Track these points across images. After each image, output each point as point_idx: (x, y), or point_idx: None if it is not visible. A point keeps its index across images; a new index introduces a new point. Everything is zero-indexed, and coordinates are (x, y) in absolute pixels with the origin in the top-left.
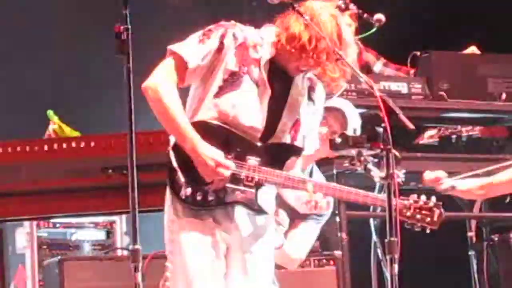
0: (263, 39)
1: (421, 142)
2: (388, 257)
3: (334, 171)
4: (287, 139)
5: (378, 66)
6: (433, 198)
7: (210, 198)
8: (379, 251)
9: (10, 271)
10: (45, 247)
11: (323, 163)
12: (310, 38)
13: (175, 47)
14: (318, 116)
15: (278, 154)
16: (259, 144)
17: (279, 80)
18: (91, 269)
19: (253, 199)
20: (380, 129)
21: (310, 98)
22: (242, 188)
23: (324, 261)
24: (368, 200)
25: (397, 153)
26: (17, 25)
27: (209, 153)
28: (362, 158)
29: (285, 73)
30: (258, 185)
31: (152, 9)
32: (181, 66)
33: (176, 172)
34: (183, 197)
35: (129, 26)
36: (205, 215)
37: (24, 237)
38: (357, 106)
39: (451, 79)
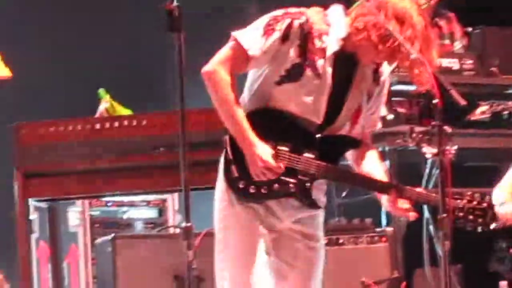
0: (331, 26)
1: (473, 118)
2: (440, 233)
3: (386, 148)
4: (346, 127)
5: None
6: (487, 198)
7: (263, 191)
8: (431, 227)
9: (62, 249)
10: (97, 225)
11: (375, 140)
12: (391, 32)
13: (239, 34)
14: (382, 97)
15: (335, 147)
16: (316, 136)
17: (344, 66)
18: (143, 247)
19: (308, 194)
20: (432, 105)
21: (374, 80)
22: (295, 181)
23: (376, 238)
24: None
25: (449, 129)
26: (69, 8)
27: (260, 152)
28: (414, 135)
29: (351, 59)
30: (313, 179)
31: None
32: (242, 55)
33: (231, 163)
34: (235, 189)
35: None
36: (254, 203)
37: (76, 215)
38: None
39: (502, 55)
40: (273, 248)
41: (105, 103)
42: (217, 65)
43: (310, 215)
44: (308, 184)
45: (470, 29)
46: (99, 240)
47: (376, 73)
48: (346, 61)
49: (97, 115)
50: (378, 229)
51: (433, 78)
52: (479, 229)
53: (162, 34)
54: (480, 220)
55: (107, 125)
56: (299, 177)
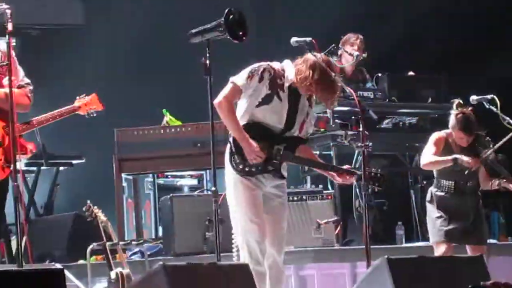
0: (285, 71)
1: (382, 126)
2: (362, 191)
3: (331, 143)
4: (297, 131)
5: (369, 84)
6: (379, 171)
7: (253, 169)
8: (357, 190)
9: (141, 204)
10: (162, 189)
11: (323, 138)
12: (316, 80)
13: (234, 78)
14: (313, 113)
15: (293, 142)
16: (282, 136)
17: (294, 95)
18: (189, 202)
19: (278, 170)
20: (358, 119)
21: (309, 103)
22: (271, 164)
23: (325, 196)
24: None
25: (367, 133)
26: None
27: (252, 147)
28: (347, 136)
29: (297, 91)
30: (281, 162)
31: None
32: (237, 90)
33: (234, 154)
34: (238, 169)
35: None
36: (250, 177)
37: (149, 183)
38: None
39: (399, 90)
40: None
41: (167, 117)
42: (222, 98)
43: (280, 183)
44: (278, 165)
45: (379, 74)
46: (162, 198)
47: (310, 99)
48: (295, 92)
49: (162, 124)
50: (325, 191)
51: (358, 103)
52: (376, 190)
53: (200, 76)
54: (376, 184)
55: (168, 130)
56: (273, 161)
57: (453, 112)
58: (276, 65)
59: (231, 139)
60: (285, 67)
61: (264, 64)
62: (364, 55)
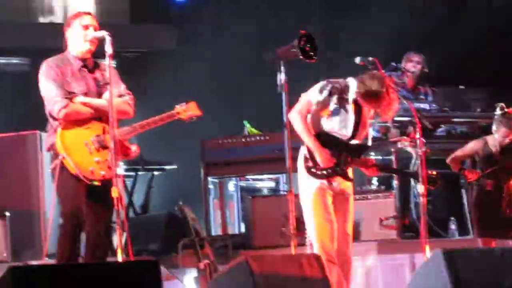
0: (349, 87)
1: (436, 134)
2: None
3: (391, 149)
4: (360, 140)
5: (430, 97)
6: (434, 172)
7: (324, 173)
8: (414, 189)
9: (225, 203)
10: (244, 191)
11: (387, 144)
12: (374, 95)
13: (306, 94)
14: (370, 121)
15: (358, 149)
16: (348, 144)
17: (358, 107)
18: (267, 202)
19: (346, 173)
20: (416, 127)
21: (370, 114)
22: (340, 168)
23: (388, 195)
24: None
25: (423, 139)
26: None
27: (323, 154)
28: (407, 142)
29: (359, 103)
30: (348, 166)
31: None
32: (309, 104)
33: (308, 160)
34: (311, 173)
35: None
36: (321, 180)
37: (233, 185)
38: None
39: (442, 101)
40: (332, 199)
41: (247, 127)
42: (296, 111)
43: (348, 184)
44: (345, 168)
45: (435, 88)
46: (244, 198)
47: (370, 111)
48: (358, 105)
49: (244, 133)
50: (387, 191)
51: (415, 114)
52: (431, 187)
53: (276, 92)
54: (432, 182)
55: (249, 138)
56: (341, 166)
57: (497, 113)
58: (342, 81)
59: (304, 147)
60: (349, 83)
61: (332, 80)
62: (425, 70)
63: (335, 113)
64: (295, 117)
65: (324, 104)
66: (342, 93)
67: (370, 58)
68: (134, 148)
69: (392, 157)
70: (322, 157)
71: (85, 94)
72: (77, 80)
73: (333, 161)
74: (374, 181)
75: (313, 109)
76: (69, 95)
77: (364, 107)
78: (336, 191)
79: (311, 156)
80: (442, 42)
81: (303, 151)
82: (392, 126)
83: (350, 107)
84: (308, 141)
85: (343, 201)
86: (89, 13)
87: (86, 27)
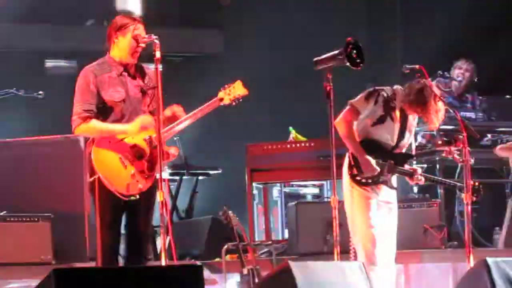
0: (395, 95)
1: (482, 143)
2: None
3: (436, 158)
4: (405, 149)
5: (478, 106)
6: (477, 182)
7: (369, 180)
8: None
9: (269, 209)
10: (288, 197)
11: (432, 153)
12: (419, 103)
13: (352, 101)
14: (414, 130)
15: (402, 158)
16: (393, 152)
17: (403, 115)
18: (312, 209)
19: (390, 181)
20: (461, 136)
21: (415, 122)
22: (384, 176)
23: (431, 204)
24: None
25: (469, 149)
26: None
27: (367, 161)
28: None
29: (405, 111)
30: (392, 174)
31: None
32: (355, 112)
33: (352, 167)
34: (356, 180)
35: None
36: (366, 187)
37: (276, 191)
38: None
39: (498, 110)
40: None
41: (293, 134)
42: (342, 119)
43: (391, 192)
44: (389, 176)
45: (482, 97)
46: (288, 205)
47: (414, 118)
48: (404, 113)
49: (289, 139)
50: (431, 200)
51: (461, 123)
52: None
53: (323, 98)
54: (476, 193)
55: (293, 145)
56: (386, 173)
57: None
58: (388, 89)
59: (349, 154)
60: (396, 91)
61: (378, 88)
62: (474, 79)
63: (380, 121)
64: (341, 124)
65: (370, 112)
66: (388, 101)
67: (417, 66)
68: (172, 150)
69: (437, 166)
70: (366, 164)
71: (124, 101)
72: (115, 86)
73: (377, 169)
74: (416, 189)
75: (359, 117)
76: (91, 112)
77: (410, 114)
78: (380, 198)
79: (355, 164)
80: (491, 51)
81: (347, 159)
82: (438, 135)
83: (396, 115)
84: (353, 148)
85: (387, 209)
86: (143, 22)
87: (137, 40)
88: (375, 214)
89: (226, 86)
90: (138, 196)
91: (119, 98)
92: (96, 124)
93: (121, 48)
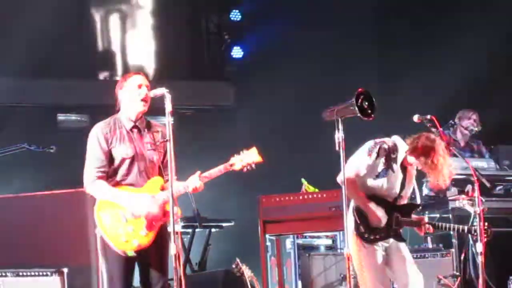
0: (397, 146)
1: (494, 192)
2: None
3: (450, 207)
4: (406, 200)
5: (486, 155)
6: (489, 226)
7: (377, 236)
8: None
9: (283, 261)
10: (301, 248)
11: (443, 202)
12: (432, 159)
13: (354, 156)
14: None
15: (408, 209)
16: (397, 204)
17: (403, 167)
18: (325, 260)
19: (398, 234)
20: (471, 186)
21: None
22: (392, 229)
23: (445, 254)
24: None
25: (482, 198)
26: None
27: (375, 214)
28: (465, 201)
29: (405, 163)
30: (400, 227)
31: None
32: (358, 168)
33: (359, 226)
34: (363, 238)
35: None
36: (373, 244)
37: (289, 243)
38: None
39: (509, 158)
40: (385, 261)
41: (305, 185)
42: (345, 177)
43: (401, 244)
44: (397, 228)
45: (492, 147)
46: (302, 256)
47: (413, 168)
48: (403, 164)
49: (302, 191)
50: (447, 250)
51: (474, 173)
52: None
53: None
54: (489, 233)
55: (306, 196)
56: (394, 227)
57: None
58: (389, 141)
59: (354, 211)
60: (396, 142)
61: (378, 141)
62: (479, 128)
63: (382, 174)
64: (345, 182)
65: (373, 167)
66: (390, 153)
67: (428, 116)
68: (175, 210)
69: (450, 215)
70: (373, 215)
71: (133, 158)
72: (125, 143)
73: (384, 221)
74: (429, 239)
75: (361, 172)
76: (102, 171)
77: (411, 166)
78: (388, 246)
79: (362, 220)
80: (498, 100)
81: (352, 217)
82: (450, 184)
83: (398, 166)
84: (360, 203)
85: (396, 256)
86: (139, 73)
87: (139, 86)
88: (383, 270)
89: (241, 152)
90: (135, 254)
91: (128, 155)
92: (102, 187)
93: (126, 102)
